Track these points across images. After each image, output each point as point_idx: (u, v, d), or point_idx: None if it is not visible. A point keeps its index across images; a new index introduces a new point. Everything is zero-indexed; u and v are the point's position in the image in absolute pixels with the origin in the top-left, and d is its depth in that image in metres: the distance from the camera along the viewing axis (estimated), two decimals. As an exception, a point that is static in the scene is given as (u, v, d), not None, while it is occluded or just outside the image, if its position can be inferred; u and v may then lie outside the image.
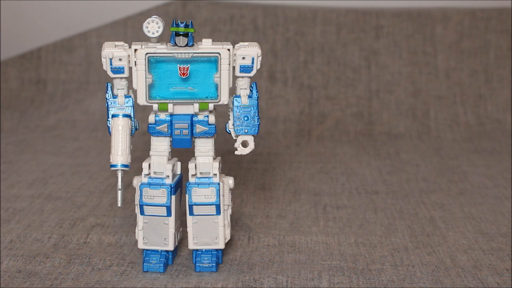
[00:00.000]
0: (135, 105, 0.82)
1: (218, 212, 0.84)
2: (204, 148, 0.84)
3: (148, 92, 0.81)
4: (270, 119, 1.54)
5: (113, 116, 0.81)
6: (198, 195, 0.84)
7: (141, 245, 0.85)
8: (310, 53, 1.61)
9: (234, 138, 0.83)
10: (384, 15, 1.64)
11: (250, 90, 0.83)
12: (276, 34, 1.62)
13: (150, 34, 0.79)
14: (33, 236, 0.94)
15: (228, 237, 0.86)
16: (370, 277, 0.84)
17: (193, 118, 0.82)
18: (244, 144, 0.83)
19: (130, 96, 0.82)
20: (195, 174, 0.84)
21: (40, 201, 1.08)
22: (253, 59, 0.82)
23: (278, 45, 1.61)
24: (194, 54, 0.80)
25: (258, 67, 0.82)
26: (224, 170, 1.14)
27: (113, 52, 0.80)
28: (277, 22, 1.62)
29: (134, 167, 0.90)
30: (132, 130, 0.81)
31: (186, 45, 0.80)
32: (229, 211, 0.87)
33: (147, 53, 0.80)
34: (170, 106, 0.81)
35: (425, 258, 0.90)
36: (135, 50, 0.80)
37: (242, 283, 0.82)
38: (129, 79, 0.81)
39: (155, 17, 0.79)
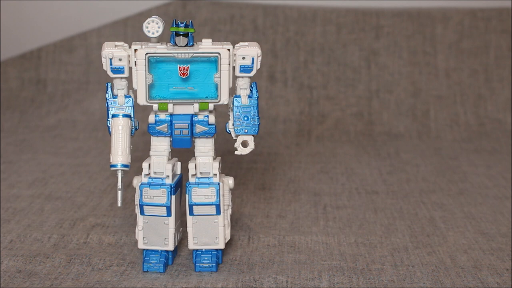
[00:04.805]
0: (135, 105, 0.82)
1: (218, 212, 0.84)
2: (204, 148, 0.84)
3: (148, 92, 0.81)
4: (270, 119, 1.54)
5: (113, 116, 0.81)
6: (198, 195, 0.84)
7: (141, 245, 0.85)
8: (310, 53, 1.61)
9: (234, 138, 0.83)
10: (384, 15, 1.64)
11: (250, 90, 0.83)
12: (276, 34, 1.62)
13: (150, 34, 0.79)
14: (33, 236, 0.94)
15: (228, 237, 0.86)
16: (370, 277, 0.84)
17: (193, 118, 0.83)
18: (244, 144, 0.83)
19: (130, 96, 0.82)
20: (195, 174, 0.84)
21: (40, 201, 1.08)
22: (253, 59, 0.82)
23: (278, 45, 1.61)
24: (194, 54, 0.80)
25: (258, 67, 0.82)
26: (224, 170, 1.14)
27: (113, 52, 0.80)
28: (277, 22, 1.62)
29: (134, 167, 0.90)
30: (132, 130, 0.81)
31: (186, 45, 0.80)
32: (229, 211, 0.87)
33: (147, 53, 0.80)
34: (170, 106, 0.81)
35: (425, 258, 0.90)
36: (135, 50, 0.80)
37: (242, 283, 0.82)
38: (129, 79, 0.81)
39: (155, 17, 0.79)
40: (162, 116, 0.82)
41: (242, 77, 0.83)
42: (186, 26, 0.79)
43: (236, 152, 0.84)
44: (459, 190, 1.17)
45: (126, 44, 0.81)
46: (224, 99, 0.82)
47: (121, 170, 0.79)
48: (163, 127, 0.83)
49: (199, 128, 0.83)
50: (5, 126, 1.52)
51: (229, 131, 0.84)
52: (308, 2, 1.69)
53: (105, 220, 1.00)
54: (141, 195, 0.83)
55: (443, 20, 1.63)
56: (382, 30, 1.63)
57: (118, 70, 0.80)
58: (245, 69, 0.82)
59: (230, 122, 0.83)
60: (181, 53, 0.80)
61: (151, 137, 0.83)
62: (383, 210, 1.07)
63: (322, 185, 1.18)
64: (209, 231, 0.85)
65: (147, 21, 0.79)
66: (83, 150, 1.38)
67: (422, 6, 1.69)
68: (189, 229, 0.85)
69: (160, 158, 0.83)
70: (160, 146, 0.83)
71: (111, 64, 0.80)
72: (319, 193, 1.14)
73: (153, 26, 0.79)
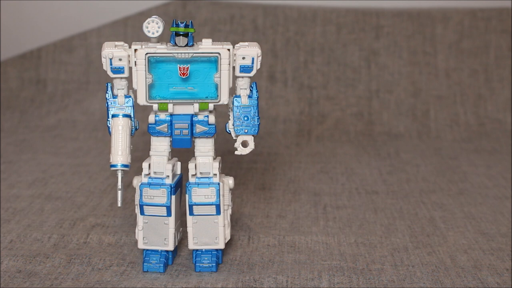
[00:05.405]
0: (135, 105, 0.82)
1: (218, 212, 0.84)
2: (204, 148, 0.84)
3: (148, 92, 0.81)
4: (270, 119, 1.54)
5: (113, 116, 0.81)
6: (198, 195, 0.84)
7: (141, 245, 0.85)
8: (310, 53, 1.61)
9: (234, 138, 0.83)
10: (384, 15, 1.64)
11: (250, 90, 0.83)
12: (276, 34, 1.62)
13: (150, 34, 0.79)
14: (33, 236, 0.94)
15: (228, 237, 0.86)
16: (370, 277, 0.84)
17: (193, 118, 0.83)
18: (244, 144, 0.83)
19: (130, 96, 0.82)
20: (195, 174, 0.84)
21: (40, 201, 1.08)
22: (253, 59, 0.82)
23: (278, 45, 1.61)
24: (194, 54, 0.80)
25: (258, 67, 0.82)
26: (224, 170, 1.14)
27: (113, 52, 0.80)
28: (277, 22, 1.62)
29: (134, 167, 0.90)
30: (132, 130, 0.81)
31: (186, 45, 0.80)
32: (229, 211, 0.87)
33: (147, 53, 0.80)
34: (170, 106, 0.81)
35: (425, 258, 0.90)
36: (135, 50, 0.80)
37: (242, 283, 0.82)
38: (129, 79, 0.81)
39: (155, 17, 0.79)
40: (162, 116, 0.82)
41: (242, 77, 0.83)
42: (186, 26, 0.79)
43: (236, 152, 0.84)
44: (459, 190, 1.17)
45: (126, 44, 0.81)
46: (224, 99, 0.82)
47: (121, 170, 0.79)
48: (163, 127, 0.83)
49: (199, 128, 0.83)
50: (5, 126, 1.52)
51: (229, 131, 0.84)
52: (308, 2, 1.69)
53: (105, 220, 1.00)
54: (141, 195, 0.83)
55: (443, 20, 1.63)
56: (382, 30, 1.63)
57: (118, 70, 0.80)
58: (245, 69, 0.82)
59: (230, 122, 0.83)
60: (181, 53, 0.80)
61: (151, 137, 0.83)
62: (383, 210, 1.07)
63: (322, 185, 1.18)
64: (209, 231, 0.85)
65: (147, 21, 0.79)
66: (83, 150, 1.38)
67: (422, 6, 1.69)
68: (189, 229, 0.85)
69: (160, 158, 0.83)
70: (160, 146, 0.83)
71: (111, 64, 0.80)
72: (319, 193, 1.14)
73: (153, 26, 0.79)
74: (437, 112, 1.57)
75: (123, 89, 0.82)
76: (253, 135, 0.83)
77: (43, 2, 1.70)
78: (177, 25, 0.79)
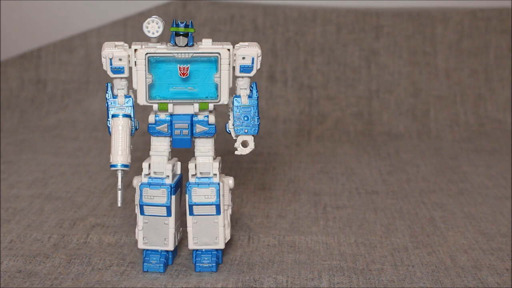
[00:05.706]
0: (135, 105, 0.82)
1: (218, 212, 0.84)
2: (204, 148, 0.84)
3: (148, 92, 0.81)
4: (270, 119, 1.54)
5: (113, 116, 0.81)
6: (198, 195, 0.84)
7: (141, 245, 0.85)
8: (310, 53, 1.61)
9: (234, 138, 0.83)
10: (384, 15, 1.64)
11: (250, 90, 0.83)
12: (276, 34, 1.62)
13: (150, 34, 0.79)
14: (33, 236, 0.94)
15: (228, 237, 0.86)
16: (370, 277, 0.84)
17: (193, 118, 0.83)
18: (244, 144, 0.83)
19: (130, 96, 0.82)
20: (195, 174, 0.84)
21: (40, 201, 1.08)
22: (253, 59, 0.82)
23: (278, 45, 1.61)
24: (194, 54, 0.80)
25: (258, 67, 0.82)
26: (224, 170, 1.14)
27: (113, 52, 0.80)
28: (277, 22, 1.62)
29: (134, 167, 0.90)
30: (132, 130, 0.81)
31: (186, 45, 0.80)
32: (229, 211, 0.87)
33: (147, 53, 0.80)
34: (170, 106, 0.81)
35: (425, 258, 0.90)
36: (135, 50, 0.80)
37: (242, 283, 0.82)
38: (129, 79, 0.81)
39: (155, 17, 0.79)
40: (162, 116, 0.82)
41: (242, 77, 0.83)
42: (186, 26, 0.79)
43: (236, 152, 0.84)
44: (459, 190, 1.17)
45: (126, 44, 0.81)
46: (224, 99, 0.82)
47: (121, 170, 0.79)
48: (163, 127, 0.83)
49: (199, 128, 0.83)
50: (5, 126, 1.52)
51: (229, 131, 0.84)
52: (308, 2, 1.69)
53: (105, 220, 1.00)
54: (141, 195, 0.83)
55: (443, 20, 1.63)
56: (382, 30, 1.63)
57: (118, 70, 0.80)
58: (245, 69, 0.82)
59: (230, 122, 0.83)
60: (181, 53, 0.80)
61: (151, 137, 0.83)
62: (383, 210, 1.07)
63: (322, 185, 1.18)
64: (209, 231, 0.85)
65: (147, 21, 0.79)
66: (83, 150, 1.38)
67: (422, 6, 1.69)
68: (189, 229, 0.85)
69: (160, 158, 0.83)
70: (160, 146, 0.83)
71: (111, 64, 0.80)
72: (319, 193, 1.14)
73: (153, 26, 0.79)
74: (437, 112, 1.57)
75: (123, 89, 0.82)
76: (253, 135, 0.83)
77: (43, 2, 1.70)
78: (177, 25, 0.79)
